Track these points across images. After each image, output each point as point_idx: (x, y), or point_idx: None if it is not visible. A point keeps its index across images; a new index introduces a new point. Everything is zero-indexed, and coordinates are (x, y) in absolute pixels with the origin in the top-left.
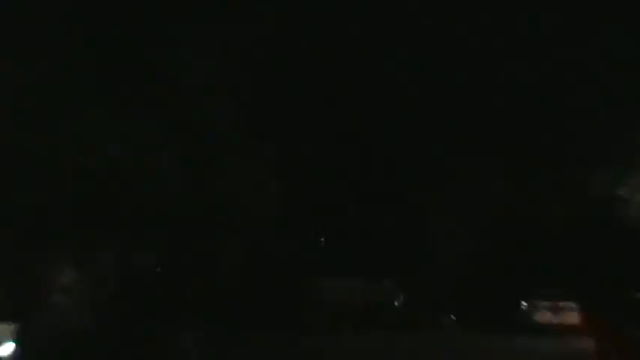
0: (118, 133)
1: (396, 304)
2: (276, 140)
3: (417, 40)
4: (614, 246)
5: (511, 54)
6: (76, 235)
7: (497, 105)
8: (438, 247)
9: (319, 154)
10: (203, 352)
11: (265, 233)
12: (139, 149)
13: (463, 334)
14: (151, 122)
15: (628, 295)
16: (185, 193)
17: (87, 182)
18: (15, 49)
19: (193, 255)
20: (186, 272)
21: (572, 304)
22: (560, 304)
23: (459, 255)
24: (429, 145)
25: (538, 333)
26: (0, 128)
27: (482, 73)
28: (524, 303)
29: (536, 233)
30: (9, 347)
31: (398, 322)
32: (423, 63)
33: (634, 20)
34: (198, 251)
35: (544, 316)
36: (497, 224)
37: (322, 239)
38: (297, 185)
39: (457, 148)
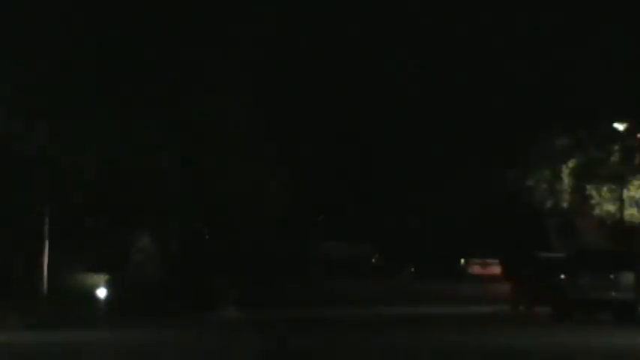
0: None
1: (373, 260)
2: (276, 141)
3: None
4: (524, 221)
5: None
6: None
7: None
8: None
9: (319, 153)
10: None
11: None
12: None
13: (418, 281)
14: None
15: (533, 254)
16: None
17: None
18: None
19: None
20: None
21: (495, 261)
22: (487, 260)
23: (419, 229)
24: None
25: (471, 281)
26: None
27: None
28: (462, 260)
29: (471, 213)
30: (103, 292)
31: (373, 272)
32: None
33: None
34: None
35: (475, 269)
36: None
37: (321, 216)
38: (297, 181)
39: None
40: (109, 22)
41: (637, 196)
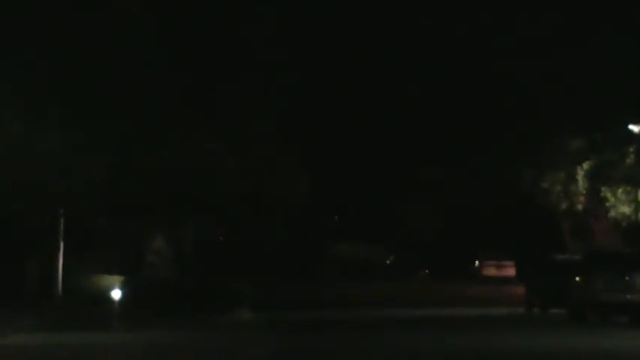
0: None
1: (387, 262)
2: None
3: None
4: (539, 223)
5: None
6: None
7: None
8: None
9: (319, 154)
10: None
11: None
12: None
13: (433, 283)
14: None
15: (547, 256)
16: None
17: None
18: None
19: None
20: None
21: (510, 262)
22: (502, 262)
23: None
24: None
25: (485, 283)
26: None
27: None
28: (477, 262)
29: (486, 216)
30: (117, 293)
31: (388, 273)
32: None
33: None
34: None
35: (490, 271)
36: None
37: (335, 217)
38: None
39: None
40: (109, 22)
41: None
